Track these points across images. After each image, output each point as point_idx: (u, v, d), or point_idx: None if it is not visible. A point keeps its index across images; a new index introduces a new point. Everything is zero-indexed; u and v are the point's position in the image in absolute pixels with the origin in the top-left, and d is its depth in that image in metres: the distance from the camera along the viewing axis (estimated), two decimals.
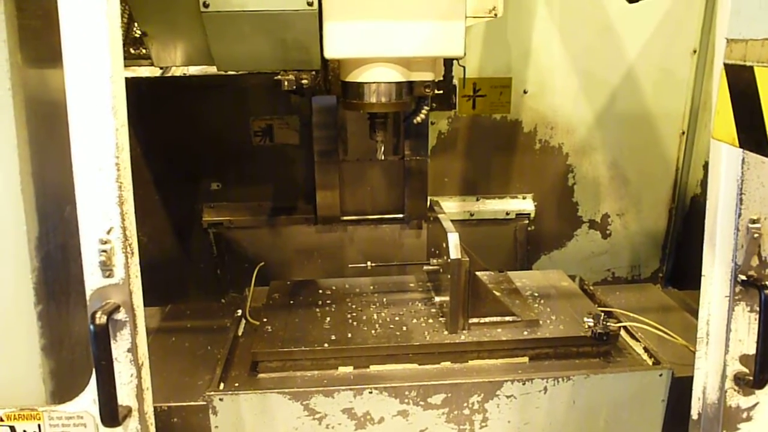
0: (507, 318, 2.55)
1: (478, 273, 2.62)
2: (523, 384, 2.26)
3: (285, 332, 2.51)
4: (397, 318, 2.62)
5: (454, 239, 2.46)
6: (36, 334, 1.87)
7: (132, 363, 1.74)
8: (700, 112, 3.20)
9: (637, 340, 2.57)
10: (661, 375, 2.31)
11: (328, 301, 2.78)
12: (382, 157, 2.64)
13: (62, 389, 1.90)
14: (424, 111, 2.66)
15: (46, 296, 1.88)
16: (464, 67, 2.64)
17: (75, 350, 1.96)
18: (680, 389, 2.26)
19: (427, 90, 2.36)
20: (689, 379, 2.12)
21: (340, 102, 2.52)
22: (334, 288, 2.92)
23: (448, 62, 2.64)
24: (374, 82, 2.27)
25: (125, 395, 1.76)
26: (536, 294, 2.87)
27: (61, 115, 1.64)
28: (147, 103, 2.89)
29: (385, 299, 2.80)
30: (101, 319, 1.64)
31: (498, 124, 3.18)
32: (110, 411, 1.71)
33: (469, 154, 3.24)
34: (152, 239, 3.13)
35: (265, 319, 2.60)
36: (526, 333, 2.50)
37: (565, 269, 3.35)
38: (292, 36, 2.10)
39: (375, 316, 2.64)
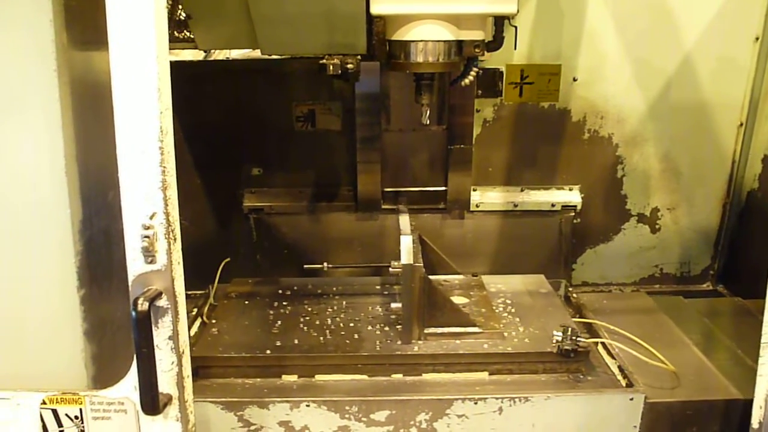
0: (468, 329, 2.39)
1: (449, 277, 2.48)
2: (476, 403, 2.10)
3: (231, 336, 2.40)
4: (351, 324, 2.50)
5: (406, 242, 2.31)
6: (79, 318, 1.86)
7: (173, 351, 1.72)
8: (761, 102, 3.05)
9: (614, 358, 2.37)
10: (632, 399, 2.11)
11: (284, 303, 2.67)
12: (427, 122, 2.52)
13: (104, 374, 1.89)
14: (472, 73, 2.46)
15: (89, 280, 1.87)
16: (516, 27, 2.48)
17: (116, 335, 1.96)
18: (655, 416, 2.07)
19: (476, 50, 2.24)
20: (665, 405, 1.96)
21: (384, 66, 2.41)
22: (295, 288, 2.81)
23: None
24: (421, 41, 2.18)
25: (166, 383, 1.73)
26: (509, 302, 2.71)
27: (106, 98, 1.61)
28: (189, 86, 2.86)
29: (344, 302, 2.68)
30: (143, 305, 1.62)
31: (545, 113, 3.08)
32: (151, 399, 1.69)
33: (515, 143, 3.15)
34: (193, 223, 3.12)
35: (213, 321, 2.50)
36: (486, 346, 2.34)
37: (612, 264, 3.26)
38: (338, 19, 2.04)
39: (329, 321, 2.52)
